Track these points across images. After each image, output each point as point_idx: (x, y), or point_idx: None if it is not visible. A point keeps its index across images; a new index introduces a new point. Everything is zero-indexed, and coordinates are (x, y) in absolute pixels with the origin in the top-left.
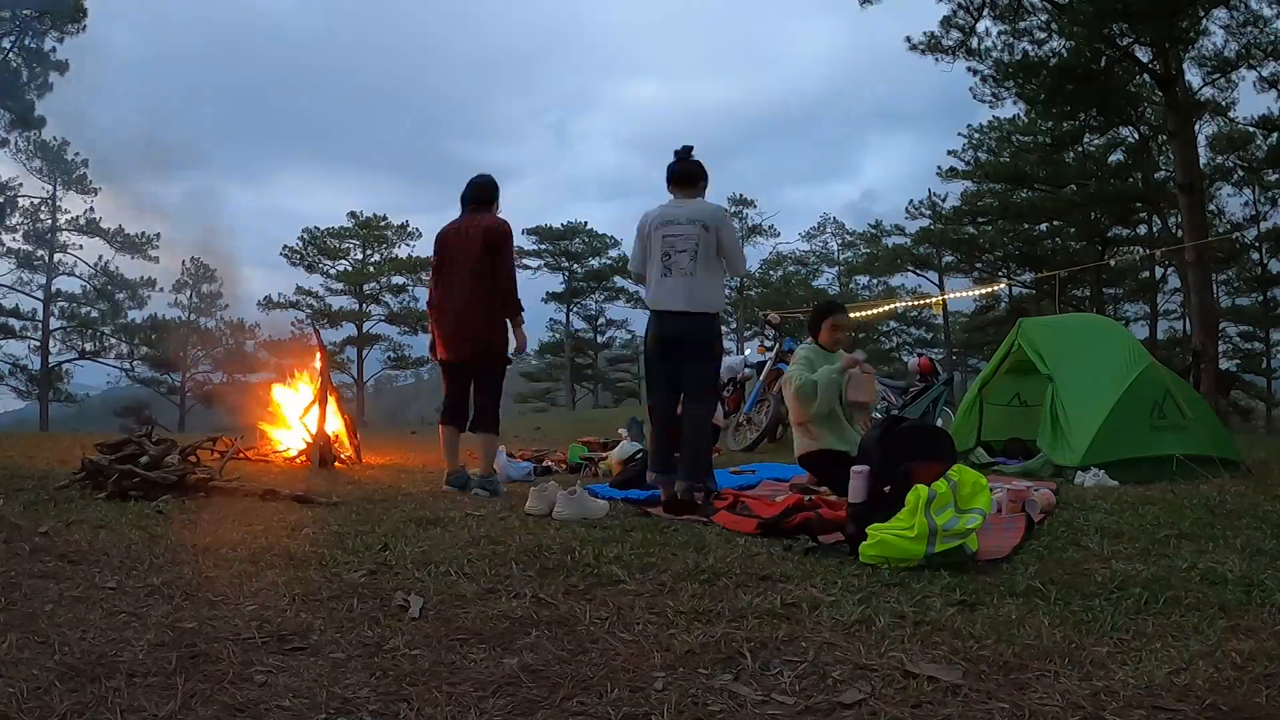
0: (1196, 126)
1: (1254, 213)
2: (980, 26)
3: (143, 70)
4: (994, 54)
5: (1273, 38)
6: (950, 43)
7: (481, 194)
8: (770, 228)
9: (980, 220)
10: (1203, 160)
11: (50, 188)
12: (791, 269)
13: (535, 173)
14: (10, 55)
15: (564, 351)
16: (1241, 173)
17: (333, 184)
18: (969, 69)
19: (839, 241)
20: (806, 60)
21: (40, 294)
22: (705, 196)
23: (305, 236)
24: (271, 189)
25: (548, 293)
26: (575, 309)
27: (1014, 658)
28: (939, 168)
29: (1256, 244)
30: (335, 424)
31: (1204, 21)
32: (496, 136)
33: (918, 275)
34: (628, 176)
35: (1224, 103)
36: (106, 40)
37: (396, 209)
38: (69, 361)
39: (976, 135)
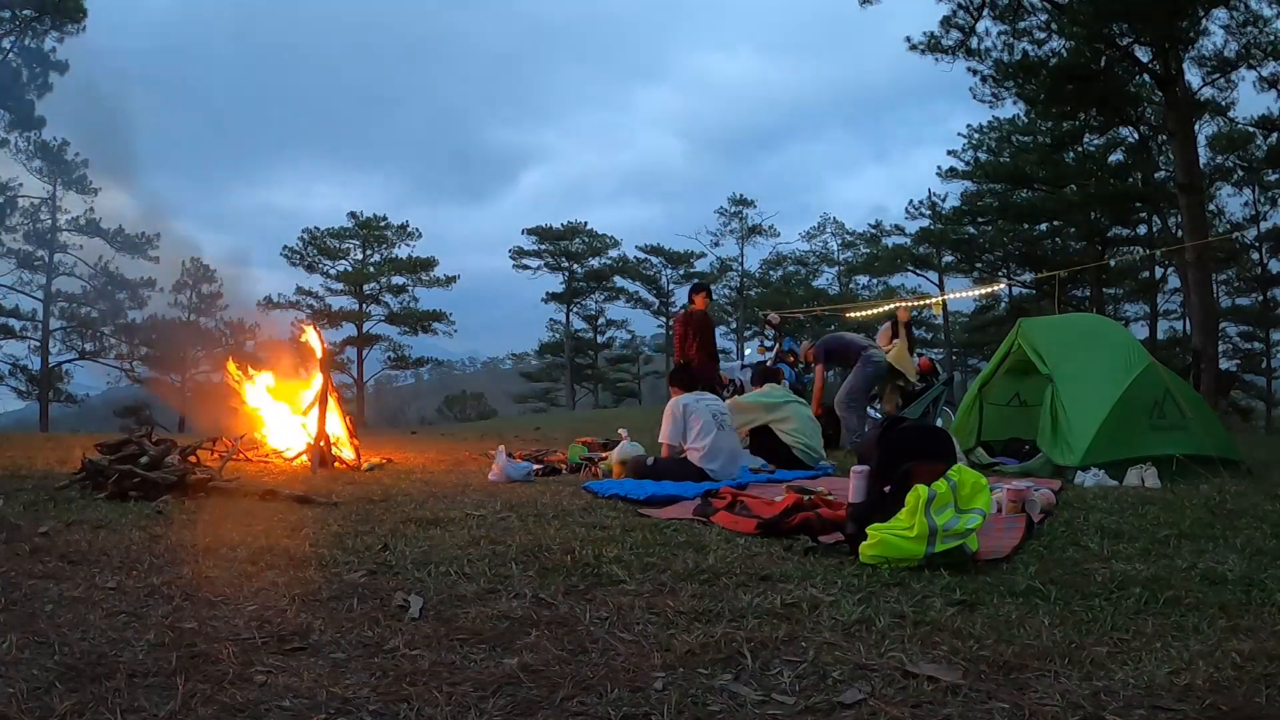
0: (1196, 126)
1: (1254, 213)
2: (980, 26)
3: (143, 64)
4: (994, 54)
5: (1272, 38)
6: (950, 43)
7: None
8: (770, 228)
9: (980, 220)
10: (1203, 160)
11: (50, 188)
12: (791, 269)
13: (566, 163)
14: (10, 55)
15: (564, 351)
16: (1241, 173)
17: (341, 176)
18: (969, 69)
19: (839, 241)
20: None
21: (40, 294)
22: None
23: (305, 236)
24: (276, 185)
25: (548, 293)
26: (575, 309)
27: (1014, 658)
28: (939, 167)
29: (1256, 244)
30: (336, 425)
31: (1204, 21)
32: (535, 120)
33: (918, 275)
34: (665, 169)
35: (1224, 103)
36: (102, 37)
37: (406, 200)
38: (69, 362)
39: (976, 135)
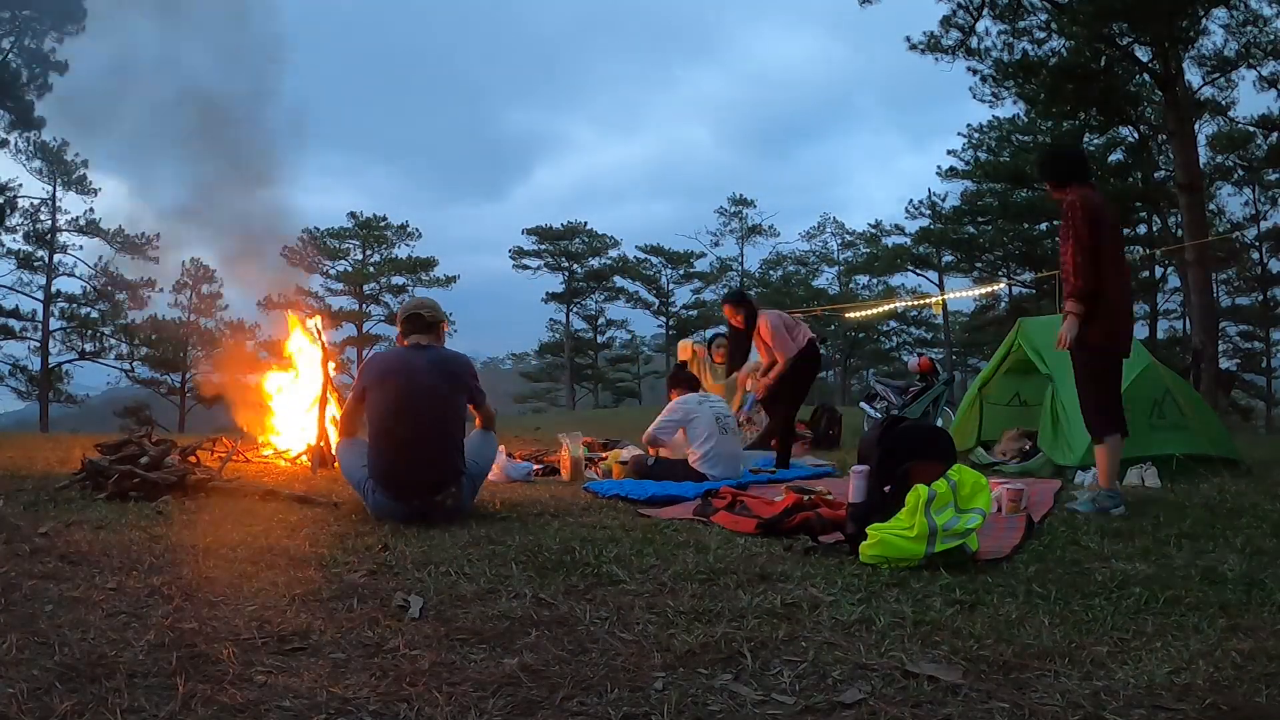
0: (1196, 126)
1: (1254, 212)
2: (980, 26)
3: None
4: (994, 54)
5: (1272, 37)
6: (950, 42)
7: None
8: (770, 228)
9: (980, 220)
10: (1203, 160)
11: (50, 188)
12: (791, 269)
13: (566, 161)
14: (10, 55)
15: (564, 351)
16: (1241, 172)
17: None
18: (969, 69)
19: (839, 241)
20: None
21: (40, 294)
22: None
23: (305, 237)
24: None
25: (548, 293)
26: (575, 309)
27: (1014, 658)
28: (939, 167)
29: (1256, 244)
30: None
31: (1204, 21)
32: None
33: (918, 275)
34: (673, 165)
35: (1224, 102)
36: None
37: (405, 199)
38: (69, 362)
39: (976, 135)
